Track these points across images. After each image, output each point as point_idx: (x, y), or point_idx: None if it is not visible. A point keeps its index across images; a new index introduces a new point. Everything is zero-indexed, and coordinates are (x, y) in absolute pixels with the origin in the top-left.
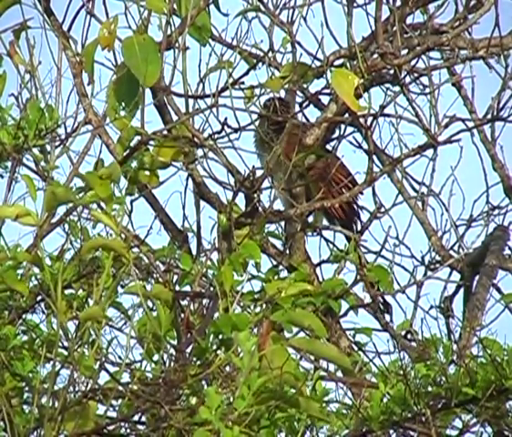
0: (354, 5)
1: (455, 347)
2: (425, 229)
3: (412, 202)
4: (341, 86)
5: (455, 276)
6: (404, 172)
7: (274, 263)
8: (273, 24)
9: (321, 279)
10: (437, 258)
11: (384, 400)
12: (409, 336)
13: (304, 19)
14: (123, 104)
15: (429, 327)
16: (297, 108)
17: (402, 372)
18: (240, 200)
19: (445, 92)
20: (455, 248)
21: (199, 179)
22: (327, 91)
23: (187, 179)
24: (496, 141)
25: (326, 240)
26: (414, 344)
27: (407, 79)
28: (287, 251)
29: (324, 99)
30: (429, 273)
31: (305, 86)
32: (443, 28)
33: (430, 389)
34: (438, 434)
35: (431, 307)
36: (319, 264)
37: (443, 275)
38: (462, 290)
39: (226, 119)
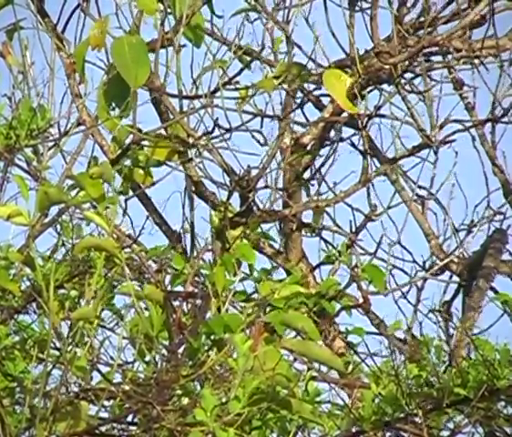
0: (356, 8)
1: (447, 347)
2: (425, 233)
3: (414, 207)
4: (333, 87)
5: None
6: (402, 174)
7: (270, 262)
8: (268, 23)
9: (318, 280)
10: (437, 262)
11: (376, 400)
12: (402, 336)
13: (306, 20)
14: (114, 104)
15: (433, 329)
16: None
17: (394, 373)
18: (235, 200)
19: (447, 98)
20: (456, 252)
21: (196, 178)
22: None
23: (185, 178)
24: (495, 145)
25: (325, 241)
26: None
27: (403, 79)
28: (283, 251)
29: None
30: (427, 275)
31: (299, 85)
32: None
33: (422, 389)
34: (430, 435)
35: (430, 311)
36: (315, 267)
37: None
38: (461, 294)
39: (217, 119)
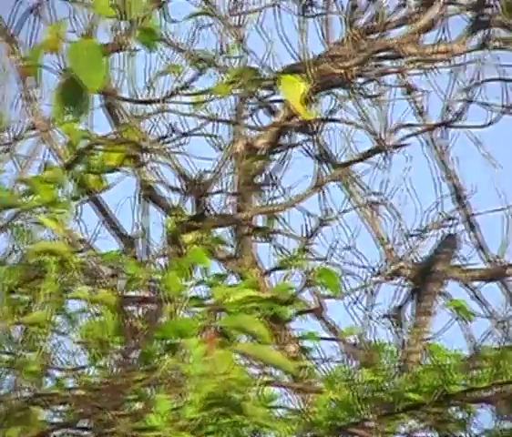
0: (307, 14)
1: (401, 353)
2: (377, 238)
3: (366, 212)
4: (288, 93)
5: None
6: (354, 179)
7: (223, 267)
8: (221, 28)
9: (271, 285)
10: (389, 267)
11: (331, 405)
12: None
13: (259, 26)
14: (68, 108)
15: (386, 334)
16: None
17: (347, 378)
18: (189, 205)
19: (400, 102)
20: (408, 257)
21: (149, 183)
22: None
23: (138, 183)
24: (447, 150)
25: (276, 246)
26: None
27: (356, 84)
28: (236, 256)
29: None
30: (379, 279)
31: (252, 90)
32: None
33: (376, 394)
34: None
35: (382, 316)
36: (267, 272)
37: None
38: (412, 299)
39: (171, 124)
